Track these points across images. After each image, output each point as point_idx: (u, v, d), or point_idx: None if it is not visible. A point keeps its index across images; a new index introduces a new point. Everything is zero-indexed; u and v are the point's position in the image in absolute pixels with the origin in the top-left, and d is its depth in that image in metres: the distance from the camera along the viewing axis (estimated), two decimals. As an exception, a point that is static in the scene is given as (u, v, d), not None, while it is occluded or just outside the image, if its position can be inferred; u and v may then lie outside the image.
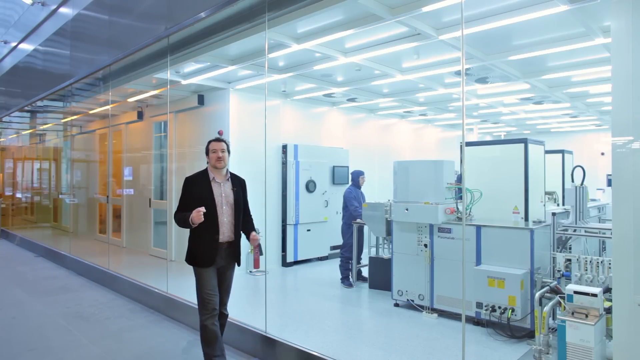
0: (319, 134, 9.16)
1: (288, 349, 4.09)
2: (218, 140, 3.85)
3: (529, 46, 5.44)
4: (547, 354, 3.74)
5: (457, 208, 5.31)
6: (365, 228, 6.90)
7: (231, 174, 3.93)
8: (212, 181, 3.77)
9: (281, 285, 7.11)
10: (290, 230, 8.12)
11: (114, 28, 6.63)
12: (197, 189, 3.73)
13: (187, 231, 3.81)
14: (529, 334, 4.46)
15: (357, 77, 7.19)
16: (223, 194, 3.77)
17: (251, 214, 4.06)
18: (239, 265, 3.95)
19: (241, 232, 3.91)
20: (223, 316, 3.87)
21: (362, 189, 7.32)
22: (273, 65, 6.49)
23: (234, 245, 3.83)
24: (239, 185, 3.91)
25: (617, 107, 2.66)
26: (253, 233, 3.89)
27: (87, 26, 7.51)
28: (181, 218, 3.69)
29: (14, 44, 11.32)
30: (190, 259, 3.77)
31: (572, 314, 3.36)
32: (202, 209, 3.53)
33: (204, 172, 3.84)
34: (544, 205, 5.44)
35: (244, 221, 3.92)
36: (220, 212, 3.72)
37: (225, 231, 3.74)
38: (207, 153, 3.85)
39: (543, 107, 9.68)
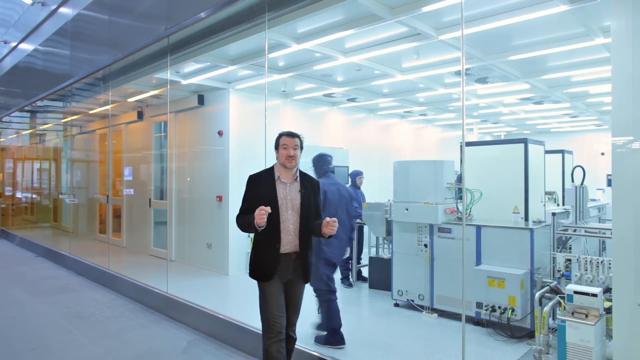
0: (319, 134, 9.15)
1: (288, 349, 4.09)
2: (291, 134, 3.31)
3: (529, 46, 5.44)
4: (547, 354, 3.74)
5: (457, 208, 5.31)
6: (365, 228, 6.90)
7: (301, 173, 3.38)
8: (277, 180, 3.23)
9: (281, 285, 7.10)
10: (290, 230, 8.10)
11: (114, 28, 6.63)
12: (260, 189, 3.23)
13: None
14: (529, 334, 4.46)
15: (357, 77, 7.19)
16: (288, 196, 3.22)
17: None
18: (306, 281, 3.31)
19: (310, 242, 3.31)
20: (291, 340, 3.32)
21: (362, 188, 7.31)
22: (273, 65, 6.49)
23: (303, 257, 3.23)
24: (309, 187, 3.32)
25: (617, 107, 2.66)
26: (325, 219, 3.11)
27: (87, 26, 7.51)
28: (244, 222, 3.15)
29: (14, 44, 11.32)
30: (251, 271, 3.26)
31: (572, 314, 3.36)
32: (267, 208, 2.96)
33: (270, 170, 3.32)
34: (544, 205, 5.43)
35: (315, 227, 3.26)
36: (284, 218, 3.16)
37: (289, 240, 3.17)
38: (276, 147, 3.35)
39: (543, 107, 9.68)
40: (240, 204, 3.31)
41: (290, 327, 3.31)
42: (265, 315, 3.16)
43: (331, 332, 4.29)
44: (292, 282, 3.25)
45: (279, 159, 3.31)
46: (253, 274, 3.23)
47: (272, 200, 3.13)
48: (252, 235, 3.34)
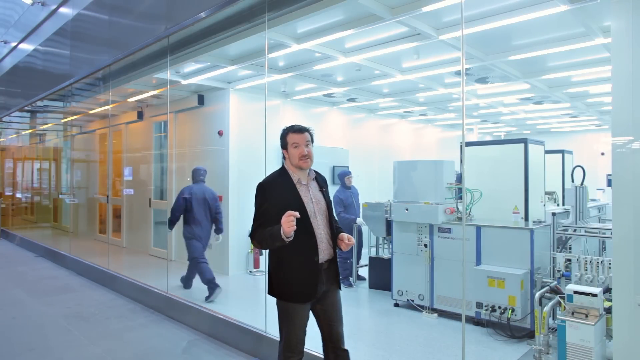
0: (319, 134, 9.08)
1: (288, 349, 4.09)
2: (300, 130, 2.81)
3: (529, 46, 5.44)
4: (547, 354, 3.74)
5: (457, 208, 5.31)
6: (365, 228, 6.89)
7: (314, 171, 2.99)
8: (298, 184, 2.81)
9: (281, 285, 7.09)
10: (290, 230, 8.10)
11: (114, 28, 6.62)
12: (278, 196, 2.73)
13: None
14: (529, 334, 4.46)
15: (357, 77, 7.19)
16: (313, 199, 2.81)
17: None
18: (339, 287, 2.91)
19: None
20: (344, 354, 2.87)
21: (360, 187, 7.30)
22: (273, 65, 6.49)
23: (334, 263, 2.87)
24: (323, 184, 2.98)
25: (617, 107, 2.66)
26: (342, 234, 2.89)
27: (87, 26, 7.51)
28: (265, 237, 2.63)
29: (14, 44, 11.32)
30: (279, 290, 2.77)
31: (572, 314, 3.36)
32: (295, 213, 2.51)
33: (283, 173, 2.84)
34: (544, 205, 5.44)
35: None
36: (315, 224, 2.75)
37: (324, 248, 2.76)
38: (283, 147, 2.84)
39: (543, 107, 9.68)
40: (251, 217, 2.81)
41: (339, 341, 2.85)
42: (288, 336, 2.76)
43: (211, 283, 5.86)
44: (326, 293, 2.82)
45: (290, 160, 2.82)
46: (284, 294, 2.74)
47: (299, 208, 2.66)
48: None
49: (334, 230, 2.87)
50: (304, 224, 2.66)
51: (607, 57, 5.68)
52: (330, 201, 2.97)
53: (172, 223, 6.33)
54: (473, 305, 4.75)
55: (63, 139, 12.65)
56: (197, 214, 6.17)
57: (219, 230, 6.38)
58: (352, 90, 8.00)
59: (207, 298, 5.79)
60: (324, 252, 2.76)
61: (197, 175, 6.44)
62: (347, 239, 2.82)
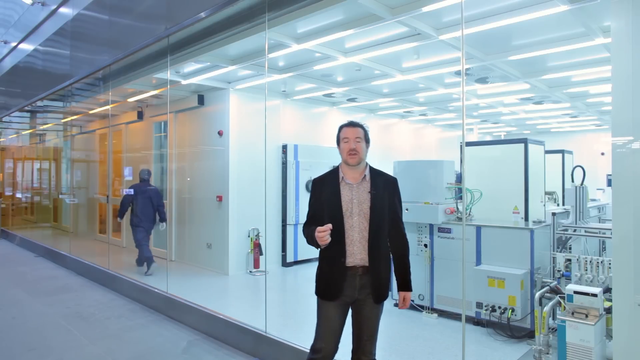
0: (319, 134, 9.15)
1: (288, 349, 4.09)
2: (352, 124, 2.83)
3: (529, 46, 5.44)
4: (547, 354, 3.74)
5: (457, 208, 5.31)
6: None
7: (373, 171, 2.87)
8: (342, 182, 2.78)
9: (281, 285, 7.11)
10: (290, 230, 8.11)
11: (114, 28, 6.62)
12: (323, 193, 2.80)
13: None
14: (529, 334, 4.46)
15: (357, 77, 7.19)
16: (355, 199, 2.74)
17: (404, 231, 2.90)
18: (377, 302, 2.74)
19: (389, 255, 2.85)
20: None
21: None
22: (273, 65, 6.49)
23: (373, 273, 2.71)
24: (382, 187, 2.80)
25: (617, 107, 2.66)
26: (404, 294, 2.83)
27: (87, 26, 7.51)
28: (309, 235, 2.73)
29: (14, 44, 11.31)
30: (316, 287, 2.84)
31: (572, 314, 3.35)
32: (329, 227, 2.56)
33: (334, 171, 2.87)
34: (544, 205, 5.44)
35: (392, 238, 2.84)
36: (348, 225, 2.70)
37: (355, 251, 2.69)
38: (337, 143, 2.88)
39: (543, 107, 9.68)
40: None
41: (365, 356, 2.78)
42: (315, 335, 2.79)
43: (149, 260, 7.31)
44: (361, 303, 2.73)
45: (341, 155, 2.85)
46: (317, 290, 2.81)
47: (334, 205, 2.71)
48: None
49: (377, 236, 2.72)
50: (337, 223, 2.66)
51: (607, 57, 5.68)
52: (384, 205, 2.77)
53: (121, 214, 7.85)
54: (473, 305, 4.75)
55: (63, 139, 12.65)
56: (140, 207, 7.60)
57: (162, 220, 7.80)
58: (352, 90, 8.00)
59: (145, 273, 7.19)
60: (354, 255, 2.68)
61: (142, 175, 7.88)
62: (403, 300, 2.82)
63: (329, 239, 2.56)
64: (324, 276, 2.78)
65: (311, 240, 2.70)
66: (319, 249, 2.77)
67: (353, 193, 2.76)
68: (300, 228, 8.17)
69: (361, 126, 2.83)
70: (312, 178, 2.99)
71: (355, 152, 2.75)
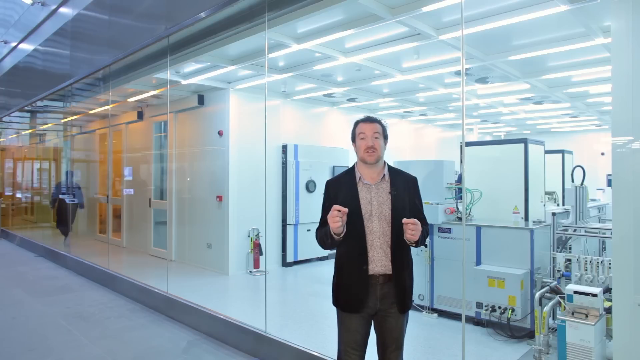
0: (319, 134, 9.15)
1: (288, 349, 4.09)
2: (369, 119, 2.61)
3: (529, 46, 5.44)
4: (547, 354, 3.74)
5: (457, 208, 5.31)
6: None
7: (392, 169, 2.65)
8: (359, 182, 2.57)
9: (281, 285, 7.11)
10: (290, 230, 8.12)
11: (114, 28, 6.63)
12: (339, 195, 2.57)
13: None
14: (529, 334, 4.46)
15: (357, 77, 7.19)
16: (374, 201, 2.52)
17: (427, 225, 2.65)
18: (402, 312, 2.56)
19: (412, 261, 2.64)
20: None
21: None
22: (273, 65, 6.49)
23: (398, 282, 2.51)
24: (403, 186, 2.59)
25: (617, 107, 2.66)
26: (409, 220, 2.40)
27: (87, 26, 7.51)
28: (321, 236, 2.55)
29: (14, 44, 11.31)
30: (334, 296, 2.63)
31: (572, 314, 3.35)
32: (341, 209, 2.35)
33: (349, 171, 2.65)
34: (544, 205, 5.44)
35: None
36: (368, 229, 2.49)
37: (375, 258, 2.48)
38: (353, 140, 2.65)
39: (543, 107, 9.68)
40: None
41: None
42: (339, 347, 2.64)
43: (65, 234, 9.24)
44: (384, 314, 2.54)
45: (357, 153, 2.61)
46: (336, 302, 2.60)
47: (353, 208, 2.46)
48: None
49: (403, 239, 2.45)
50: (355, 227, 2.47)
51: (607, 57, 5.67)
52: (405, 206, 2.55)
53: (52, 203, 9.70)
54: (473, 305, 4.75)
55: (63, 139, 12.64)
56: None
57: (81, 207, 10.31)
58: (352, 90, 8.00)
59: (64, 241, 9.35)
60: (375, 262, 2.48)
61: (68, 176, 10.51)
62: (412, 224, 2.38)
63: (341, 223, 2.35)
64: (344, 287, 2.56)
65: (325, 239, 2.50)
66: (335, 257, 2.62)
67: (372, 194, 2.54)
68: (300, 228, 8.24)
69: (379, 121, 2.61)
70: (326, 180, 2.78)
71: (374, 149, 2.52)
